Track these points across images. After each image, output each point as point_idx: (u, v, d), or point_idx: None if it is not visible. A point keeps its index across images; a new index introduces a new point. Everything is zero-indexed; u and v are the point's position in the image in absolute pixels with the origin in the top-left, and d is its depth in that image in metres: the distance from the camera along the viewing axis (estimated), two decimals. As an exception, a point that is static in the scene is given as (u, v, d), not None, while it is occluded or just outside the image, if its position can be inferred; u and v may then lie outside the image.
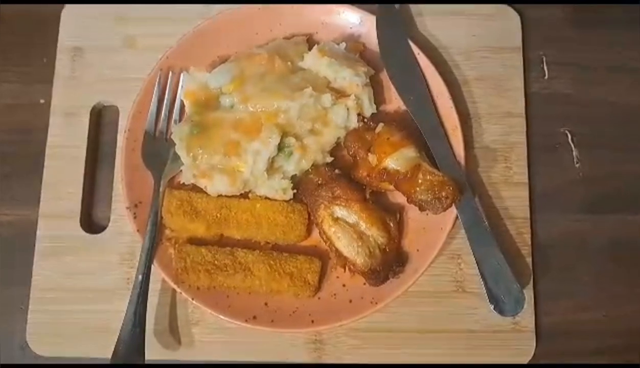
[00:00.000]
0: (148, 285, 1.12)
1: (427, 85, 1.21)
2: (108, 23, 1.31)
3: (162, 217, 1.15)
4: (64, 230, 1.22)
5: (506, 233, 1.21)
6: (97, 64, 1.29)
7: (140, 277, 1.11)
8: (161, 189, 1.16)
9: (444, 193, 1.09)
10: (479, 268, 1.12)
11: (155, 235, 1.13)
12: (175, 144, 1.16)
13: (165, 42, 1.24)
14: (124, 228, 1.21)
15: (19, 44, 1.33)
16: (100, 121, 1.29)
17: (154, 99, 1.21)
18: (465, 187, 1.14)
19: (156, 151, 1.19)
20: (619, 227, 1.23)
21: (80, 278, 1.20)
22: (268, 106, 1.13)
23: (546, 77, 1.30)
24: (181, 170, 1.17)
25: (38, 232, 1.22)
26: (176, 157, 1.18)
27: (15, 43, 1.33)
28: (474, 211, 1.13)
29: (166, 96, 1.22)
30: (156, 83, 1.21)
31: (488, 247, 1.12)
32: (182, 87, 1.22)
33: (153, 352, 1.15)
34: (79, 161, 1.24)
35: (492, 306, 1.10)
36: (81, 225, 1.22)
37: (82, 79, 1.29)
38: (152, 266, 1.13)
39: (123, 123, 1.23)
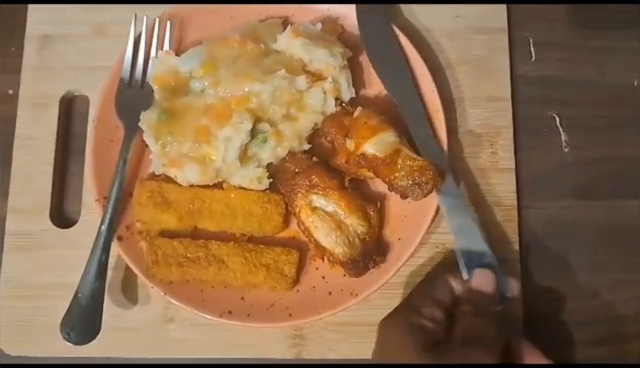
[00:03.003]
0: (112, 236, 1.09)
1: (409, 68, 1.16)
2: (77, 11, 1.26)
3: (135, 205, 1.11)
4: (33, 224, 1.17)
5: (493, 221, 1.16)
6: (67, 52, 1.24)
7: (103, 227, 1.08)
8: (133, 140, 1.12)
9: (424, 179, 1.04)
10: (461, 256, 1.05)
11: (122, 183, 1.10)
12: (151, 92, 1.13)
13: (136, 29, 1.18)
14: (95, 222, 1.15)
15: (-15, 33, 1.29)
16: (71, 111, 1.24)
17: (129, 46, 1.17)
18: (447, 173, 1.09)
19: (130, 99, 1.15)
20: (609, 213, 1.18)
21: (51, 274, 1.15)
22: (238, 90, 1.07)
23: (533, 58, 1.25)
24: None
25: (7, 227, 1.17)
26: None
27: (-19, 33, 1.28)
28: (456, 197, 1.08)
29: (142, 43, 1.18)
30: (131, 30, 1.17)
31: (471, 234, 1.06)
32: (157, 35, 1.18)
33: (127, 349, 1.12)
34: (48, 153, 1.20)
35: (477, 297, 1.06)
36: (51, 219, 1.17)
37: (51, 69, 1.23)
38: (124, 259, 1.10)
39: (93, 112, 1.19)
